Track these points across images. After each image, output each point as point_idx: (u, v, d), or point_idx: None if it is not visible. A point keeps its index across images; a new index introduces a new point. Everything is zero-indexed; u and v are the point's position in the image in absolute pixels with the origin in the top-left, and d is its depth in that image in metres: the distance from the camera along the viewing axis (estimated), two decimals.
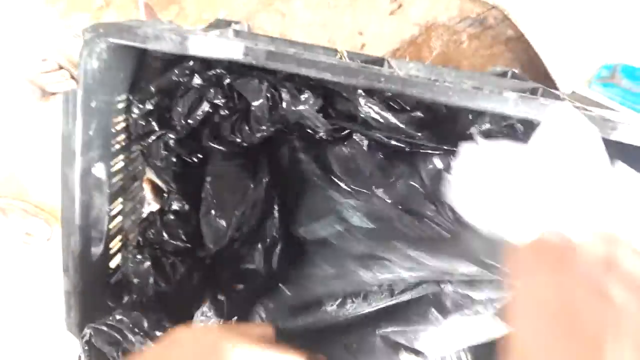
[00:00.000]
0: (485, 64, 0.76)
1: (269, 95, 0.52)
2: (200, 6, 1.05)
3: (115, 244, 0.58)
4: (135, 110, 0.54)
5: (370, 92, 0.55)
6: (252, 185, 0.54)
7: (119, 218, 0.59)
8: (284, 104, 0.52)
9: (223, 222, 0.55)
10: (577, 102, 0.55)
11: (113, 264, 0.58)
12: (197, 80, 0.52)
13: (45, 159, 1.16)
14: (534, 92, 0.58)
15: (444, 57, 0.76)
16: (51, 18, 1.01)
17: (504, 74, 0.69)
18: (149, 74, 0.54)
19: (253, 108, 0.51)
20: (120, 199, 0.58)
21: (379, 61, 0.56)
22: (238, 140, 0.54)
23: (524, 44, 0.73)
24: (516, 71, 0.69)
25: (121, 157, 0.56)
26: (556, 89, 0.73)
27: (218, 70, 0.53)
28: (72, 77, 0.92)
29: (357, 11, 0.74)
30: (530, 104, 0.46)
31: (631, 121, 0.43)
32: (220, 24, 0.65)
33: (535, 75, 0.74)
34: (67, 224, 0.48)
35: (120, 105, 0.54)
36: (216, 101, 0.52)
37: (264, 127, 0.53)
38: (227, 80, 0.52)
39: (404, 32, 0.75)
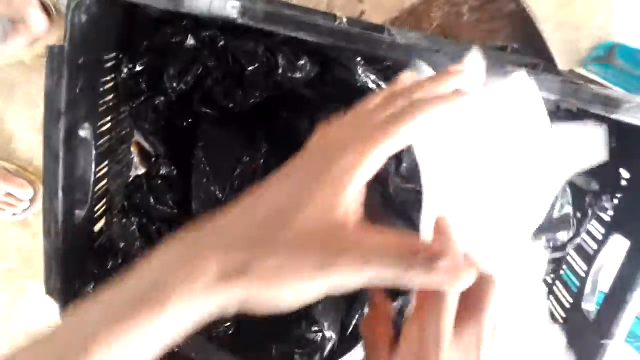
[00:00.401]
0: (485, 38, 0.74)
1: (264, 59, 0.50)
2: None
3: (100, 208, 0.57)
4: (125, 70, 0.52)
5: (368, 61, 0.54)
6: (247, 154, 0.53)
7: (105, 181, 0.57)
8: (280, 70, 0.50)
9: (217, 190, 0.53)
10: (574, 80, 0.54)
11: (97, 227, 0.56)
12: (190, 41, 0.50)
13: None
14: (534, 67, 0.57)
15: (443, 29, 0.74)
16: None
17: (503, 49, 0.68)
18: (139, 32, 0.52)
19: (247, 72, 0.49)
20: (106, 162, 0.56)
21: (380, 28, 0.54)
22: (231, 105, 0.53)
23: (524, 19, 0.72)
24: (515, 46, 0.68)
25: (108, 118, 0.54)
26: (555, 66, 0.72)
27: (212, 31, 0.51)
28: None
29: None
30: (534, 78, 0.45)
31: (633, 101, 0.43)
32: None
33: (535, 52, 0.73)
34: (49, 186, 0.46)
35: (109, 64, 0.51)
36: (209, 64, 0.50)
37: (257, 94, 0.51)
38: (222, 43, 0.50)
39: (405, 1, 0.73)
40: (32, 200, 1.25)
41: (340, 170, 0.27)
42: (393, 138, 0.27)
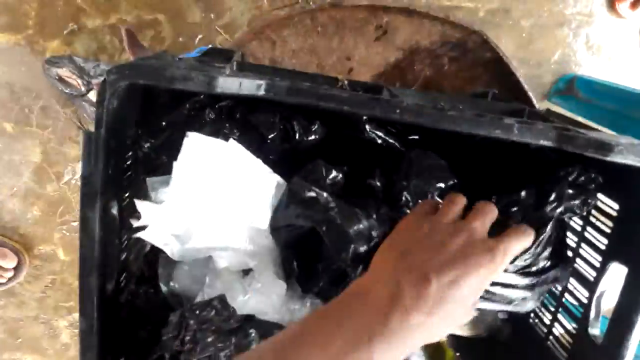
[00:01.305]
0: (465, 85, 0.80)
1: (281, 127, 0.53)
2: (176, 30, 1.05)
3: (123, 279, 0.58)
4: (146, 145, 0.54)
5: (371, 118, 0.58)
6: None
7: (125, 252, 0.58)
8: (297, 135, 0.53)
9: None
10: (557, 121, 0.59)
11: (122, 298, 0.57)
12: (210, 114, 0.53)
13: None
14: (520, 112, 0.62)
15: (426, 79, 0.80)
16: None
17: (484, 95, 0.74)
18: (156, 107, 0.55)
19: (268, 140, 0.52)
20: (125, 233, 0.57)
21: (378, 88, 0.59)
22: None
23: (500, 65, 0.78)
24: (496, 92, 0.74)
25: (128, 193, 0.56)
26: (533, 105, 0.78)
27: (227, 102, 0.54)
28: None
29: (344, 37, 0.77)
30: (530, 130, 0.50)
31: (621, 143, 0.48)
32: (215, 54, 0.66)
33: (512, 94, 0.79)
34: (86, 265, 0.48)
35: (129, 140, 0.53)
36: (230, 134, 0.53)
37: (276, 159, 0.54)
38: (238, 114, 0.54)
39: (389, 57, 0.78)
40: (16, 269, 1.22)
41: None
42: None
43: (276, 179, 0.51)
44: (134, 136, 0.55)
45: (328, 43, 0.77)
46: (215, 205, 0.48)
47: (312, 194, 0.50)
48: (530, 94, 0.77)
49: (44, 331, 1.24)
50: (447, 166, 0.54)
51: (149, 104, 0.55)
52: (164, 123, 0.53)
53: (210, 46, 0.73)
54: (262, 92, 0.45)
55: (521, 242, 0.45)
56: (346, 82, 0.61)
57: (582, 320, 0.64)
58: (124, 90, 0.46)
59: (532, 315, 0.76)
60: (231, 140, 0.50)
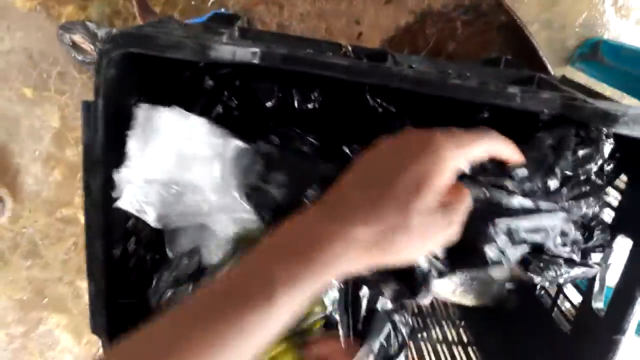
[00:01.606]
0: (478, 50, 0.78)
1: (280, 95, 0.53)
2: None
3: (131, 243, 0.59)
4: None
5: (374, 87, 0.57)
6: None
7: (133, 218, 0.60)
8: (296, 104, 0.53)
9: None
10: (569, 89, 0.57)
11: (131, 263, 0.59)
12: (208, 82, 0.53)
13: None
14: (530, 80, 0.61)
15: (438, 43, 0.77)
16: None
17: (497, 61, 0.71)
18: (159, 74, 0.55)
19: (267, 108, 0.52)
20: None
21: (383, 55, 0.57)
22: None
23: (515, 30, 0.76)
24: (509, 57, 0.71)
25: None
26: (547, 71, 0.76)
27: (227, 70, 0.54)
28: None
29: (354, 0, 0.75)
30: (533, 98, 0.48)
31: (628, 114, 0.46)
32: (221, 19, 0.65)
33: (527, 59, 0.77)
34: (90, 230, 0.49)
35: (131, 108, 0.54)
36: (230, 103, 0.53)
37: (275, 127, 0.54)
38: (237, 82, 0.53)
39: (400, 20, 0.76)
40: None
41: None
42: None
43: (235, 143, 0.50)
44: (137, 104, 0.55)
45: (336, 6, 0.75)
46: (177, 174, 0.49)
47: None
48: (546, 59, 0.74)
49: (69, 292, 1.29)
50: None
51: (152, 70, 0.55)
52: (165, 91, 0.54)
53: (214, 12, 0.72)
54: (257, 60, 0.45)
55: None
56: (350, 48, 0.60)
57: (587, 294, 0.63)
58: (121, 59, 0.46)
59: (538, 286, 0.76)
60: (176, 108, 0.50)
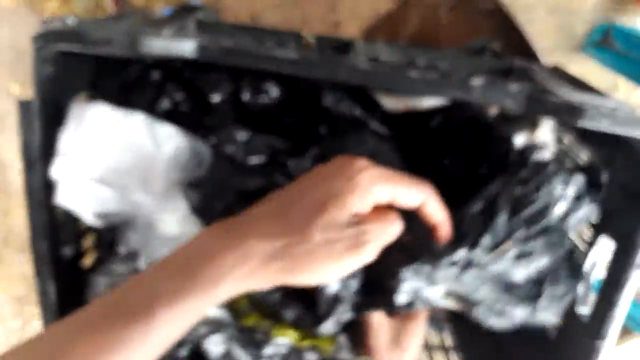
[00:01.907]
0: (465, 38, 0.73)
1: (229, 89, 0.51)
2: None
3: (87, 243, 0.58)
4: None
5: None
6: None
7: None
8: (246, 98, 0.51)
9: None
10: (546, 82, 0.52)
11: (87, 262, 0.58)
12: (155, 76, 0.51)
13: None
14: (507, 72, 0.56)
15: (422, 32, 0.73)
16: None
17: (481, 50, 0.67)
18: (109, 69, 0.53)
19: (212, 102, 0.50)
20: None
21: (347, 46, 0.54)
22: None
23: (503, 16, 0.71)
24: (495, 46, 0.67)
25: None
26: (537, 59, 0.71)
27: (176, 63, 0.52)
28: None
29: None
30: (496, 91, 0.45)
31: (594, 107, 0.42)
32: (184, 10, 0.63)
33: (516, 47, 0.72)
34: (35, 231, 0.48)
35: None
36: (176, 96, 0.51)
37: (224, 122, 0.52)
38: (187, 74, 0.51)
39: (380, 7, 0.73)
40: None
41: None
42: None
43: (177, 139, 0.48)
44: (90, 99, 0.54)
45: None
46: (114, 171, 0.47)
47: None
48: (535, 48, 0.70)
49: None
50: (388, 152, 0.50)
51: (105, 64, 0.54)
52: (113, 86, 0.52)
53: (184, 4, 0.70)
54: (193, 54, 0.42)
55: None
56: (311, 39, 0.57)
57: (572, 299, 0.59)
58: (59, 56, 0.45)
59: None
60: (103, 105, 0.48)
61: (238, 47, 0.44)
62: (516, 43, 0.72)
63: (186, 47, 0.42)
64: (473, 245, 0.45)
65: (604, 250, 0.54)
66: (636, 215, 0.47)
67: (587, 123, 0.42)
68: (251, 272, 0.31)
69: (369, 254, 0.33)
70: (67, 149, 0.45)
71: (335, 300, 0.44)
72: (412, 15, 0.73)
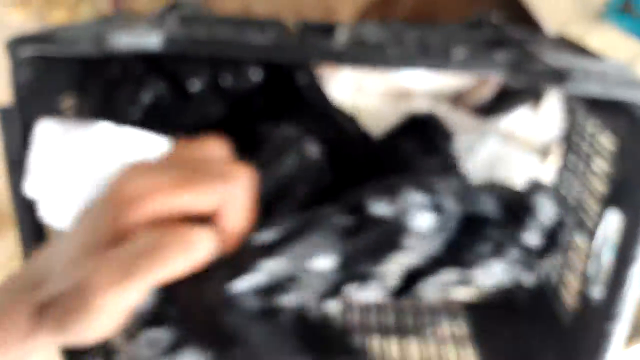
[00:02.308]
0: (465, 10, 0.70)
1: (209, 76, 0.50)
2: None
3: None
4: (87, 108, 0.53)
5: None
6: None
7: None
8: (228, 83, 0.50)
9: None
10: (537, 51, 0.49)
11: None
12: (137, 69, 0.51)
13: None
14: (499, 43, 0.54)
15: (418, 10, 0.71)
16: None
17: (479, 23, 0.64)
18: (94, 69, 0.54)
19: (192, 91, 0.50)
20: None
21: (329, 28, 0.53)
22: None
23: None
24: (493, 19, 0.64)
25: None
26: (540, 30, 0.67)
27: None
28: None
29: None
30: (477, 60, 0.43)
31: (579, 72, 0.39)
32: (172, 8, 0.63)
33: (519, 18, 0.68)
34: (23, 233, 0.49)
35: (69, 104, 0.53)
36: (158, 88, 0.51)
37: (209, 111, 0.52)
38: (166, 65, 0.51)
39: None
40: None
41: None
42: None
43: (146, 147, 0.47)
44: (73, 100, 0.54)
45: None
46: (85, 185, 0.47)
47: None
48: (539, 17, 0.66)
49: None
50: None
51: (90, 65, 0.54)
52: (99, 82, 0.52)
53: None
54: (159, 47, 0.42)
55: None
56: (293, 25, 0.56)
57: (584, 278, 0.56)
58: (37, 59, 0.45)
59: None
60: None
61: (209, 37, 0.43)
62: (518, 14, 0.68)
63: (152, 41, 0.42)
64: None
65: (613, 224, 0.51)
66: None
67: (573, 87, 0.39)
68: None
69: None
70: (36, 167, 0.46)
71: None
72: None
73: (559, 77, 0.39)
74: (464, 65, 0.43)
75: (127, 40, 0.42)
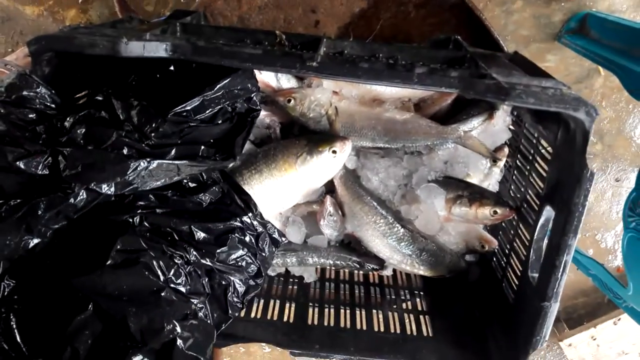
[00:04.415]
0: (433, 31, 0.79)
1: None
2: None
3: None
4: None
5: None
6: None
7: None
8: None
9: None
10: (493, 68, 0.57)
11: None
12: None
13: None
14: (462, 60, 0.62)
15: (393, 28, 0.79)
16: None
17: (445, 42, 0.73)
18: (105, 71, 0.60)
19: None
20: None
21: (315, 42, 0.60)
22: None
23: (466, 10, 0.76)
24: (458, 38, 0.72)
25: None
26: (501, 49, 0.76)
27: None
28: None
29: None
30: (434, 78, 0.50)
31: (518, 88, 0.47)
32: (176, 16, 0.70)
33: (482, 39, 0.77)
34: None
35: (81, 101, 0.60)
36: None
37: None
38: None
39: (354, 7, 0.79)
40: None
41: None
42: None
43: None
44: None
45: None
46: None
47: None
48: (498, 37, 0.75)
49: None
50: None
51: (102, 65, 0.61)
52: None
53: (176, 9, 0.77)
54: (166, 54, 0.49)
55: None
56: (284, 37, 0.63)
57: (525, 263, 0.65)
58: (54, 58, 0.52)
59: (494, 259, 0.78)
60: None
61: (207, 46, 0.51)
62: (482, 34, 0.77)
63: (161, 47, 0.49)
64: None
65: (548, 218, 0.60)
66: (571, 185, 0.52)
67: (514, 101, 0.47)
68: None
69: None
70: None
71: None
72: (383, 14, 0.79)
73: (503, 92, 0.48)
74: (424, 81, 0.50)
75: (139, 47, 0.49)
